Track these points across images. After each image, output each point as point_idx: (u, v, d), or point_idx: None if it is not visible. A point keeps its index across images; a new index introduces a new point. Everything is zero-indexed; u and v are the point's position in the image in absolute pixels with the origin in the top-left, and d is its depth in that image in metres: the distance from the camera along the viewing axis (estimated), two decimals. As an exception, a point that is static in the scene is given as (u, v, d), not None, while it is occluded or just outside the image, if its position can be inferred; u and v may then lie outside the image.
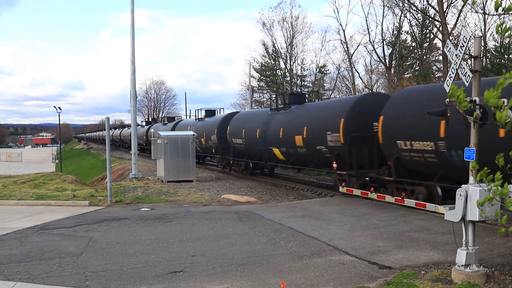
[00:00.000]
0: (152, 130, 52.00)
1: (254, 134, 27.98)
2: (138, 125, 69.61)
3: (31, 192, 21.90)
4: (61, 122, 69.31)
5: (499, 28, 4.97)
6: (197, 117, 42.36)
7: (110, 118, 21.92)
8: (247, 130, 29.29)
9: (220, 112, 41.70)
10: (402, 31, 51.47)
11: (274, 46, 65.85)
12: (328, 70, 64.81)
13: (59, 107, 64.31)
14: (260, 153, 28.15)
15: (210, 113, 41.37)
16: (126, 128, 78.18)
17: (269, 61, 67.79)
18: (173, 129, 45.67)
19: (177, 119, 57.46)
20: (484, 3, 40.04)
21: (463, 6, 38.54)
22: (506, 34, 4.98)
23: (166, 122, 56.18)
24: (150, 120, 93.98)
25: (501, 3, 4.97)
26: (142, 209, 18.08)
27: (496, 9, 5.01)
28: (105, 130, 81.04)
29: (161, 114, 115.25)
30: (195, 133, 29.99)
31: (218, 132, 34.02)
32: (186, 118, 59.34)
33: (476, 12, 41.11)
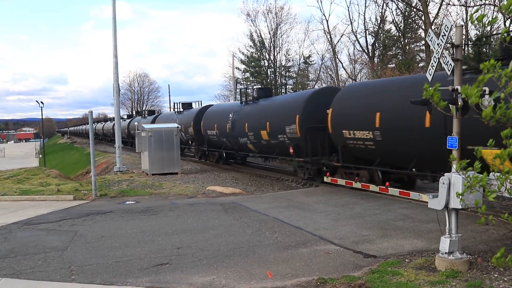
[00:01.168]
0: (155, 122, 44.38)
1: (414, 121, 14.93)
2: (125, 117, 68.29)
3: (14, 188, 21.75)
4: (44, 117, 68.81)
5: (473, 17, 5.01)
6: (243, 99, 29.33)
7: (93, 111, 21.78)
8: (388, 112, 16.27)
9: (277, 91, 28.94)
10: (385, 20, 51.70)
11: (260, 36, 65.79)
12: (313, 61, 64.94)
13: (41, 102, 63.62)
14: (429, 155, 14.91)
15: (265, 92, 28.44)
16: (127, 120, 65.18)
17: (255, 52, 67.64)
18: (196, 120, 35.09)
19: (198, 106, 40.76)
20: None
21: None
22: (483, 20, 5.02)
23: (181, 110, 41.33)
24: (134, 112, 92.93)
25: None
26: (127, 202, 18.03)
27: None
28: (103, 122, 77.31)
29: (144, 106, 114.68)
30: (179, 125, 29.76)
31: (302, 120, 20.91)
32: (171, 111, 45.29)
33: (454, 5, 41.37)
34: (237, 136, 28.27)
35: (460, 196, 7.21)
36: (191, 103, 43.27)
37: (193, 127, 35.35)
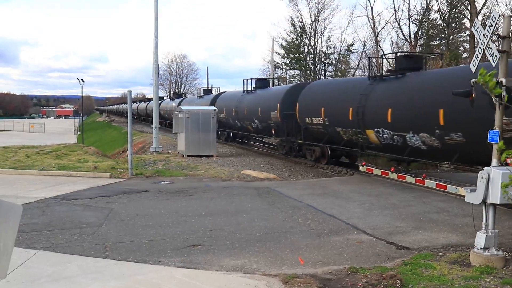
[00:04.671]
0: (181, 104, 46.36)
1: (343, 114, 20.70)
2: (161, 98, 68.55)
3: (53, 163, 22.16)
4: (83, 94, 69.72)
5: None
6: (245, 88, 34.11)
7: (132, 91, 21.98)
8: (329, 106, 22.04)
9: (316, 77, 33.38)
10: (431, 9, 50.56)
11: (301, 21, 65.16)
12: (356, 48, 64.08)
13: (82, 79, 64.32)
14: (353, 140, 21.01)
15: (262, 83, 33.58)
16: (173, 101, 61.18)
17: (295, 38, 67.05)
18: (211, 104, 36.88)
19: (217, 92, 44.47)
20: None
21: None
22: None
23: (202, 95, 45.69)
24: (172, 93, 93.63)
25: None
26: (162, 182, 18.22)
27: None
28: (144, 102, 77.67)
29: (182, 88, 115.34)
30: (216, 108, 29.88)
31: (281, 108, 26.75)
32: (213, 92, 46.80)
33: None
34: (239, 119, 33.98)
35: (504, 188, 7.04)
36: (211, 89, 49.28)
37: None
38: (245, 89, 34.13)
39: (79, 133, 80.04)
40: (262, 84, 33.52)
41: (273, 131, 28.19)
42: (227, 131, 38.78)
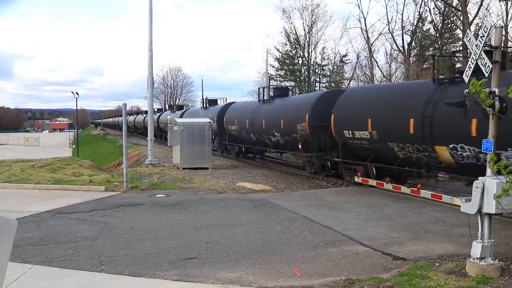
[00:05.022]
0: (183, 116, 45.31)
1: (400, 127, 17.15)
2: (155, 111, 68.05)
3: (48, 177, 22.10)
4: (78, 108, 69.63)
5: None
6: (261, 98, 30.60)
7: (127, 104, 21.95)
8: (378, 117, 18.32)
9: (310, 89, 31.32)
10: (424, 20, 50.81)
11: (295, 33, 65.39)
12: (349, 59, 64.27)
13: (76, 93, 64.20)
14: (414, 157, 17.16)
15: (281, 92, 29.73)
16: (156, 114, 61.39)
17: (290, 49, 67.27)
18: (220, 116, 36.14)
19: (223, 102, 41.45)
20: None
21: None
22: None
23: (207, 106, 42.11)
24: (167, 105, 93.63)
25: None
26: (158, 195, 18.18)
27: None
28: (143, 114, 76.67)
29: (177, 101, 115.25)
30: (211, 120, 29.85)
31: (311, 118, 22.62)
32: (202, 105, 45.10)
33: (500, 0, 40.50)
34: (255, 132, 30.17)
35: (497, 199, 7.07)
36: (217, 99, 44.79)
37: (217, 122, 36.24)
38: (261, 98, 30.85)
39: (74, 146, 79.87)
40: (281, 92, 29.91)
41: (299, 146, 23.99)
42: (238, 146, 34.89)
